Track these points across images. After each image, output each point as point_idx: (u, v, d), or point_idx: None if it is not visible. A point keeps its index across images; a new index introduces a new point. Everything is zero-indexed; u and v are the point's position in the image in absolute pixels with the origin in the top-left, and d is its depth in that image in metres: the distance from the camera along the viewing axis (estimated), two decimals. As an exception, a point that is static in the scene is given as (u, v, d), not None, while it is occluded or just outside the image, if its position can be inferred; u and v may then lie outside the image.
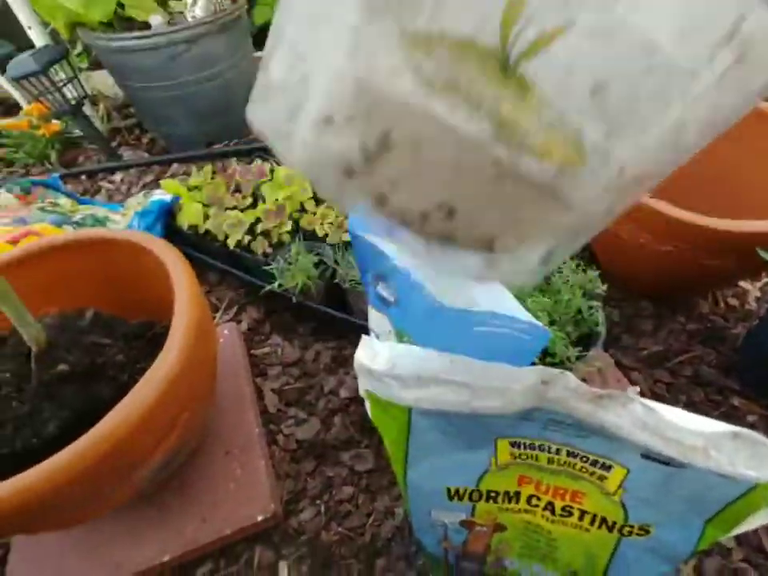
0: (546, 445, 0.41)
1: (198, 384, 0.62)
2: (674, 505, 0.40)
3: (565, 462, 0.42)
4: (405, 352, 0.39)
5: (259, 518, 0.71)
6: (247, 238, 1.01)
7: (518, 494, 0.47)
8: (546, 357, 0.71)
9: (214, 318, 1.06)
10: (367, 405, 0.44)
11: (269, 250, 1.01)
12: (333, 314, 0.94)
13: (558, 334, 0.71)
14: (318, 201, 1.05)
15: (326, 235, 0.99)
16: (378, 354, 0.40)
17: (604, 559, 0.47)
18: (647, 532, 0.42)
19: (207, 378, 0.67)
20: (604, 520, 0.44)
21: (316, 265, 0.94)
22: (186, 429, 0.61)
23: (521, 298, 0.66)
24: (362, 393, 0.43)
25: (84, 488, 0.49)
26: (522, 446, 0.42)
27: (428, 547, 0.57)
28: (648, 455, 0.37)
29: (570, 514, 0.45)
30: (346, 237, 0.98)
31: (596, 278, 0.70)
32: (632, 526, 0.43)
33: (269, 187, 1.03)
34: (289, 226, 0.99)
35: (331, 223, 1.01)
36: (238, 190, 1.10)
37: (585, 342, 0.68)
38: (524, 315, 0.43)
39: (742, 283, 1.03)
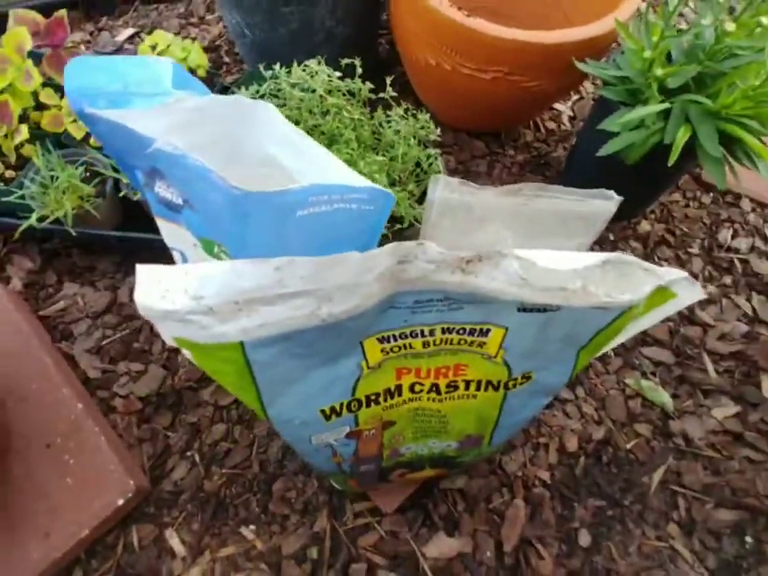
0: (418, 329, 0.35)
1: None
2: (551, 346, 0.37)
3: (441, 341, 0.37)
4: (204, 273, 0.27)
5: (120, 502, 0.59)
6: (-32, 163, 0.70)
7: (399, 387, 0.42)
8: (393, 224, 0.64)
9: (-32, 283, 0.77)
10: (186, 353, 0.32)
11: (10, 174, 0.72)
12: (135, 238, 0.74)
13: (401, 194, 0.63)
14: (58, 88, 0.75)
15: (88, 135, 0.73)
16: (168, 287, 0.27)
17: (494, 415, 0.47)
18: (529, 378, 0.41)
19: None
20: (489, 383, 0.41)
21: (88, 179, 0.70)
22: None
23: (349, 163, 0.55)
24: (169, 342, 0.31)
25: None
26: (392, 339, 0.36)
27: (320, 467, 0.51)
28: (524, 308, 0.33)
29: (456, 388, 0.42)
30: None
31: (428, 122, 0.62)
32: (515, 379, 0.41)
33: (-30, 80, 0.70)
34: (25, 133, 0.70)
35: (91, 118, 0.74)
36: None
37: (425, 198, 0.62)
38: (359, 180, 0.32)
39: (556, 105, 1.05)
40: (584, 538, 0.64)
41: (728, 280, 0.86)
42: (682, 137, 0.61)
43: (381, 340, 0.36)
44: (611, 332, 0.37)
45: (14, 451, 0.61)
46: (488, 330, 0.36)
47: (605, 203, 0.51)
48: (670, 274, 0.33)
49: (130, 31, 1.12)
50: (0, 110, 0.69)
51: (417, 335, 0.36)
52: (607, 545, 0.64)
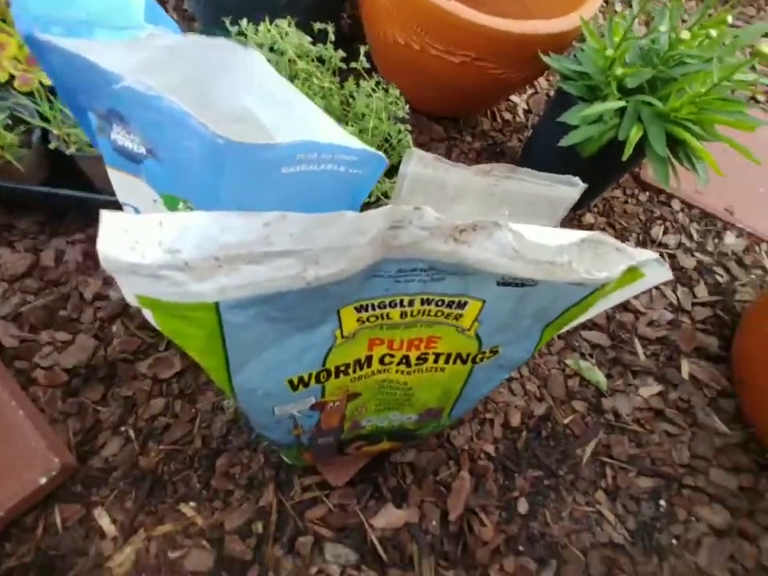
0: (398, 299, 0.34)
1: None
2: (522, 322, 0.38)
3: (419, 312, 0.36)
4: (183, 224, 0.24)
5: (42, 480, 0.54)
6: None
7: (369, 358, 0.41)
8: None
9: None
10: (147, 313, 0.29)
11: None
12: (63, 195, 0.67)
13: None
14: (-25, 20, 0.65)
15: (12, 78, 0.65)
16: (138, 238, 0.23)
17: (458, 388, 0.47)
18: (496, 353, 0.42)
19: None
20: (459, 356, 0.41)
21: (10, 127, 0.62)
22: None
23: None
24: (131, 301, 0.27)
25: None
26: (370, 308, 0.34)
27: (276, 440, 0.50)
28: (504, 282, 0.33)
29: (425, 360, 0.42)
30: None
31: (398, 97, 0.61)
32: (484, 353, 0.41)
33: None
34: (-67, 66, 0.61)
35: (16, 59, 0.65)
36: None
37: (396, 172, 0.61)
38: (352, 141, 0.30)
39: (513, 97, 1.08)
40: (522, 506, 0.68)
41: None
42: (635, 135, 0.65)
43: (358, 309, 0.35)
44: (580, 309, 0.38)
45: None
46: (465, 303, 0.35)
47: (570, 189, 0.53)
48: (642, 254, 0.34)
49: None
50: None
51: (396, 305, 0.35)
52: (543, 511, 0.68)
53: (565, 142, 0.69)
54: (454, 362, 0.41)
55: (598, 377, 0.79)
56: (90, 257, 0.71)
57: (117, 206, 0.69)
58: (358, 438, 0.55)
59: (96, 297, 0.69)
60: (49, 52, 0.29)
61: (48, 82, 0.66)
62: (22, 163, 0.62)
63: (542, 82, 1.13)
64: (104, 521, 0.58)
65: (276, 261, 0.25)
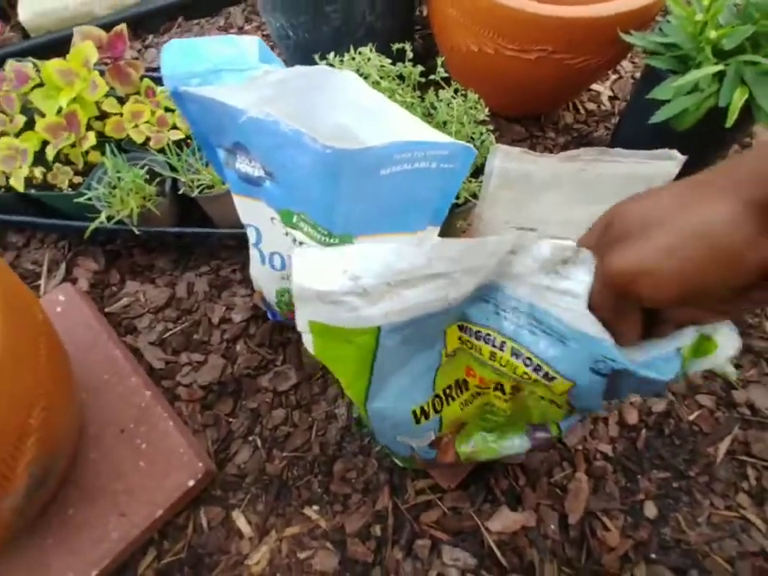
0: (492, 335, 0.35)
1: (32, 375, 0.45)
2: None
3: (507, 363, 0.36)
4: (363, 254, 0.28)
5: (190, 483, 0.61)
6: (40, 171, 0.75)
7: (465, 382, 0.43)
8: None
9: (37, 287, 0.82)
10: (307, 339, 0.33)
11: (77, 179, 0.77)
12: (191, 233, 0.77)
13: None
14: (119, 97, 0.80)
15: (148, 140, 0.78)
16: (326, 267, 0.28)
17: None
18: None
19: (46, 363, 0.49)
20: (552, 401, 0.41)
21: (148, 180, 0.74)
22: (45, 431, 0.45)
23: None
24: (300, 327, 0.32)
25: None
26: (468, 331, 0.36)
27: (394, 451, 0.52)
28: (597, 371, 0.32)
29: (520, 390, 0.42)
30: (176, 135, 0.78)
31: (477, 101, 0.63)
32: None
33: (42, 94, 0.75)
34: (92, 140, 0.75)
35: (148, 122, 0.78)
36: (-5, 111, 0.79)
37: (482, 173, 0.63)
38: (442, 136, 0.33)
39: (595, 86, 1.05)
40: (650, 510, 0.63)
41: None
42: (738, 98, 0.61)
43: (461, 328, 0.37)
44: None
45: (89, 437, 0.64)
46: (553, 378, 0.35)
47: (667, 164, 0.51)
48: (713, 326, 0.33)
49: (171, 49, 1.18)
50: (69, 120, 0.74)
51: (489, 341, 0.36)
52: (675, 516, 0.63)
53: (657, 117, 0.66)
54: (551, 400, 0.40)
55: (726, 367, 0.72)
56: (215, 286, 0.81)
57: (235, 237, 0.79)
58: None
59: (221, 321, 0.78)
60: (188, 101, 0.36)
61: (174, 138, 0.78)
62: (158, 209, 0.73)
63: (625, 65, 1.10)
64: (241, 522, 0.64)
65: (429, 283, 0.29)
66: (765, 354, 0.73)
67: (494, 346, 0.35)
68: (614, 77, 1.09)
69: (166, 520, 0.62)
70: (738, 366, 0.74)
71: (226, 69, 0.36)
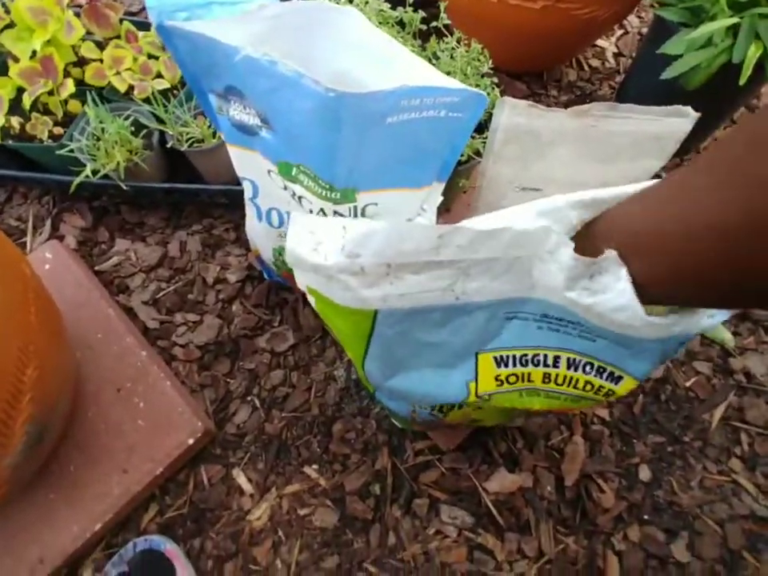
0: (541, 354, 0.32)
1: (23, 334, 0.43)
2: None
3: (564, 379, 0.33)
4: (366, 230, 0.25)
5: (190, 441, 0.61)
6: (17, 121, 0.71)
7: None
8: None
9: (23, 244, 0.79)
10: (310, 299, 0.31)
11: (58, 130, 0.72)
12: (181, 189, 0.74)
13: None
14: (99, 42, 0.74)
15: (131, 88, 0.73)
16: (322, 240, 0.26)
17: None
18: None
19: (36, 320, 0.48)
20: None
21: (134, 132, 0.70)
22: (40, 388, 0.44)
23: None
24: (300, 286, 0.30)
25: None
26: (511, 362, 0.32)
27: (393, 410, 0.51)
28: (665, 357, 0.30)
29: (558, 399, 0.38)
30: (161, 84, 0.73)
31: (481, 51, 0.59)
32: None
33: (13, 35, 0.69)
34: (71, 87, 0.70)
35: (131, 70, 0.73)
36: (-33, 53, 0.73)
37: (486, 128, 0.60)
38: (452, 82, 0.31)
39: (599, 42, 1.00)
40: (644, 473, 0.64)
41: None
42: (753, 54, 0.58)
43: (498, 362, 0.33)
44: None
45: (86, 395, 0.63)
46: (620, 378, 0.32)
47: (680, 121, 0.48)
48: None
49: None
50: (44, 65, 0.69)
51: (539, 362, 0.32)
52: (668, 479, 0.64)
53: (669, 73, 0.63)
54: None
55: (723, 334, 0.71)
56: (208, 246, 0.79)
57: (224, 195, 0.76)
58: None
59: (216, 281, 0.75)
60: (176, 37, 0.32)
61: (159, 87, 0.73)
62: (146, 164, 0.70)
63: (632, 21, 1.04)
64: (241, 479, 0.65)
65: (434, 271, 0.26)
66: (762, 322, 0.73)
67: (545, 365, 0.32)
68: (619, 32, 1.03)
69: (166, 477, 0.62)
70: (735, 334, 0.74)
71: (216, 1, 0.32)
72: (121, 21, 0.75)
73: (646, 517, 0.62)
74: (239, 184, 0.75)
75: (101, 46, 0.75)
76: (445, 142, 0.35)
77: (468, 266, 0.26)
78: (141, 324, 0.72)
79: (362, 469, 0.65)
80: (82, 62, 0.75)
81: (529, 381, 0.33)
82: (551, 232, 0.25)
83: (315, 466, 0.65)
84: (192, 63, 0.34)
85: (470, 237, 0.25)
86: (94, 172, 0.68)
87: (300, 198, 0.40)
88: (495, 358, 0.32)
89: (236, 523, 0.62)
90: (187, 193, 0.75)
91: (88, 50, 0.72)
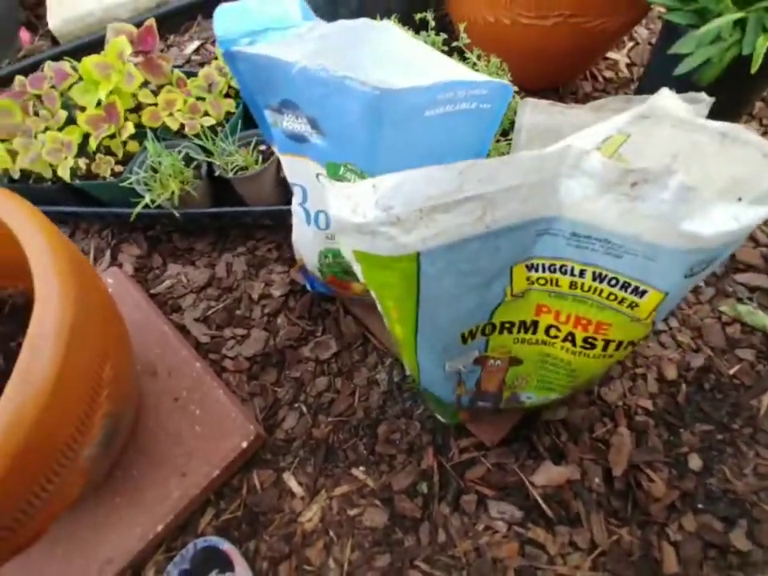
0: (569, 265, 0.34)
1: (101, 334, 0.48)
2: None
3: (590, 288, 0.36)
4: (394, 183, 0.28)
5: (244, 444, 0.64)
6: (83, 162, 0.79)
7: (535, 323, 0.43)
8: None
9: (87, 272, 0.86)
10: (357, 269, 0.35)
11: (118, 168, 0.81)
12: (229, 212, 0.80)
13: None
14: (153, 90, 0.83)
15: (182, 126, 0.81)
16: (360, 200, 0.29)
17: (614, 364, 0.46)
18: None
19: (111, 325, 0.53)
20: (631, 342, 0.40)
21: (185, 165, 0.77)
22: (115, 387, 0.49)
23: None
24: (347, 256, 0.34)
25: (15, 484, 0.37)
26: (540, 268, 0.36)
27: (440, 397, 0.54)
28: (692, 273, 0.31)
29: (593, 347, 0.42)
30: (208, 120, 0.81)
31: (500, 66, 0.64)
32: (657, 333, 0.40)
33: (81, 89, 0.79)
34: (131, 129, 0.79)
35: (181, 111, 0.82)
36: (37, 107, 0.83)
37: (509, 132, 0.64)
38: (479, 76, 0.35)
39: (611, 54, 1.05)
40: (694, 462, 0.64)
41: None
42: (762, 44, 0.61)
43: (529, 267, 0.36)
44: None
45: (147, 406, 0.68)
46: (644, 292, 0.34)
47: (695, 108, 0.51)
48: None
49: (195, 44, 1.22)
50: (108, 111, 0.78)
51: (566, 272, 0.35)
52: (720, 467, 0.63)
53: (681, 69, 0.66)
54: (625, 348, 0.41)
55: (764, 320, 0.72)
56: (252, 265, 0.84)
57: (267, 216, 0.82)
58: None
59: (261, 297, 0.80)
60: (239, 61, 0.38)
61: (206, 124, 0.81)
62: (196, 192, 0.77)
63: (641, 32, 1.09)
64: (292, 483, 0.67)
65: (463, 206, 0.29)
66: (804, 306, 0.73)
67: (572, 275, 0.35)
68: (630, 44, 1.08)
69: (222, 481, 0.65)
70: (777, 320, 0.73)
71: (272, 27, 0.38)
72: (172, 70, 0.84)
73: (700, 506, 0.61)
74: (284, 204, 0.81)
75: (155, 93, 0.84)
76: (476, 133, 0.39)
77: (493, 196, 0.29)
78: (193, 340, 0.77)
79: (408, 468, 0.66)
80: (138, 108, 0.84)
81: (557, 285, 0.36)
82: (569, 147, 0.28)
83: (362, 468, 0.67)
84: (252, 82, 0.40)
85: (487, 168, 0.28)
86: (152, 202, 0.75)
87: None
88: (527, 266, 0.35)
89: (288, 525, 0.64)
90: (233, 216, 0.81)
91: (145, 96, 0.81)
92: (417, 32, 0.64)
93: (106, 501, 0.61)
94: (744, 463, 0.63)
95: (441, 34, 0.65)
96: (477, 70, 0.61)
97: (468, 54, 0.64)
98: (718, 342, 0.72)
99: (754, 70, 0.61)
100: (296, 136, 0.42)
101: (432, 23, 0.65)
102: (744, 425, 0.66)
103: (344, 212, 0.29)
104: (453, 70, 0.36)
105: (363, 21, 0.37)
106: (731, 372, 0.69)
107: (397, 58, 0.38)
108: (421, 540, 0.62)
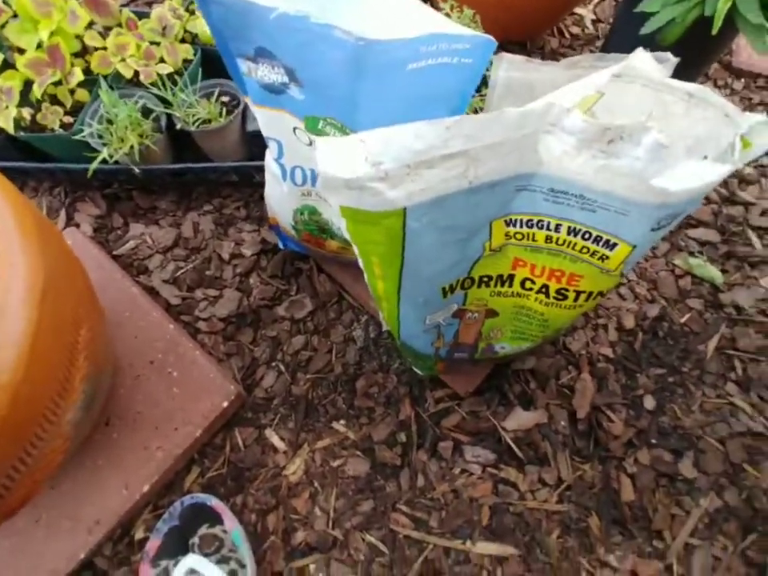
0: (545, 220, 0.36)
1: (75, 297, 0.46)
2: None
3: (564, 242, 0.37)
4: (382, 138, 0.28)
5: (225, 404, 0.65)
6: (27, 112, 0.73)
7: (511, 277, 0.44)
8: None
9: (39, 233, 0.81)
10: (342, 224, 0.34)
11: (68, 119, 0.74)
12: (195, 168, 0.77)
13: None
14: (100, 32, 0.76)
15: (137, 74, 0.75)
16: (348, 155, 0.29)
17: (581, 314, 0.49)
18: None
19: (82, 287, 0.51)
20: (600, 293, 0.43)
21: (144, 115, 0.72)
22: (92, 349, 0.47)
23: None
24: (335, 210, 0.33)
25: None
26: (518, 224, 0.37)
27: (419, 350, 0.56)
28: (659, 226, 0.33)
29: (565, 297, 0.44)
30: (165, 68, 0.75)
31: (473, 17, 0.63)
32: (618, 285, 0.43)
33: (17, 28, 0.71)
34: (79, 75, 0.72)
35: (134, 56, 0.75)
36: (-31, 50, 0.75)
37: (485, 87, 0.63)
38: (462, 29, 0.34)
39: (577, 10, 1.04)
40: (649, 402, 0.70)
41: (766, 160, 0.88)
42: (723, 5, 0.62)
43: (507, 223, 0.37)
44: None
45: (122, 369, 0.66)
46: (615, 245, 0.36)
47: (660, 66, 0.53)
48: (750, 118, 0.33)
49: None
50: (52, 54, 0.71)
51: (543, 226, 0.37)
52: (671, 406, 0.69)
53: (647, 28, 0.68)
54: (594, 299, 0.43)
55: (712, 272, 0.77)
56: (220, 224, 0.82)
57: (236, 172, 0.78)
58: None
59: (231, 256, 0.79)
60: (212, 3, 0.35)
61: (163, 71, 0.75)
62: (156, 146, 0.72)
63: (609, -12, 1.09)
64: (274, 439, 0.68)
65: (447, 162, 0.30)
66: (747, 259, 0.79)
67: (548, 229, 0.36)
68: (596, 0, 1.08)
69: (204, 441, 0.66)
70: (723, 272, 0.79)
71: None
72: (120, 10, 0.77)
73: (653, 441, 0.67)
74: (250, 159, 0.78)
75: (102, 35, 0.77)
76: (456, 88, 0.39)
77: (477, 152, 0.30)
78: (163, 301, 0.75)
79: (387, 420, 0.69)
80: (84, 52, 0.77)
81: (533, 240, 0.38)
82: (552, 105, 0.29)
83: (343, 421, 0.69)
84: (225, 28, 0.37)
85: (474, 124, 0.28)
86: (110, 156, 0.70)
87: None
88: (505, 221, 0.37)
89: (273, 479, 0.66)
90: (198, 172, 0.77)
91: (92, 39, 0.74)
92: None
93: (88, 465, 0.60)
94: (692, 402, 0.70)
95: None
96: (450, 20, 0.60)
97: (441, 5, 0.62)
98: (672, 293, 0.77)
99: (714, 31, 0.63)
100: (272, 87, 0.40)
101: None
102: (693, 368, 0.72)
103: (332, 167, 0.29)
104: (434, 21, 0.35)
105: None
106: (682, 320, 0.75)
107: (377, 6, 0.36)
108: (401, 485, 0.65)
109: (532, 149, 0.31)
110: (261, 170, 0.58)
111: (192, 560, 0.55)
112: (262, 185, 0.62)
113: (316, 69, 0.36)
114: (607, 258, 0.37)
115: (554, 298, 0.45)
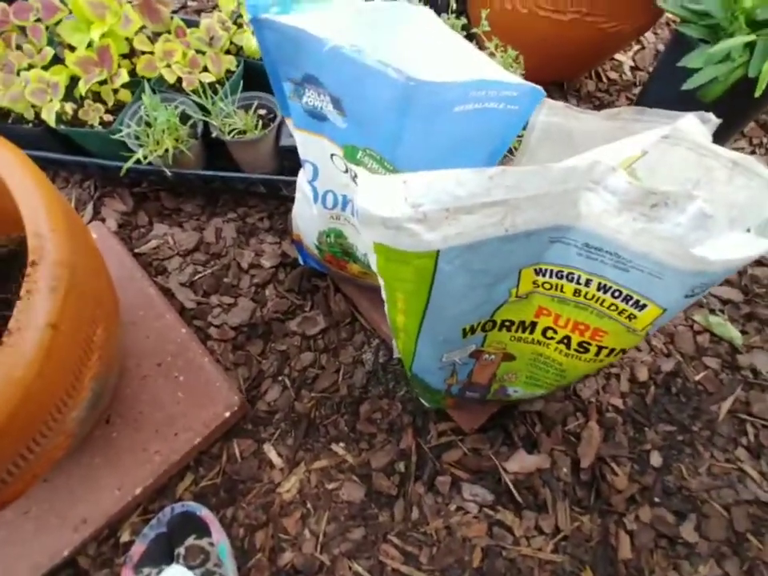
0: (576, 274, 0.36)
1: (96, 295, 0.47)
2: None
3: (593, 297, 0.37)
4: (424, 181, 0.29)
5: (227, 414, 0.64)
6: (70, 107, 0.75)
7: (533, 324, 0.44)
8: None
9: (66, 224, 0.82)
10: (372, 259, 0.35)
11: (107, 117, 0.76)
12: (223, 177, 0.78)
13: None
14: (149, 37, 0.78)
15: (180, 80, 0.77)
16: (388, 194, 0.29)
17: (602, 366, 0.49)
18: None
19: (105, 285, 0.51)
20: (622, 350, 0.42)
21: (181, 121, 0.74)
22: (106, 350, 0.47)
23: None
24: (368, 245, 0.33)
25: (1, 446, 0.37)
26: (548, 274, 0.37)
27: (430, 384, 0.55)
28: (693, 294, 0.33)
29: (587, 351, 0.43)
30: (208, 77, 0.77)
31: (515, 58, 0.64)
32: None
33: (70, 26, 0.74)
34: (125, 76, 0.74)
35: (179, 63, 0.77)
36: (20, 41, 0.77)
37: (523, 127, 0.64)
38: (511, 77, 0.35)
39: (617, 56, 1.05)
40: (655, 459, 0.68)
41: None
42: (767, 69, 0.63)
43: (537, 272, 0.37)
44: None
45: (128, 368, 0.66)
46: (644, 306, 0.35)
47: (704, 128, 0.53)
48: None
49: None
50: (101, 54, 0.73)
51: (572, 279, 0.37)
52: (678, 465, 0.68)
53: (689, 84, 0.68)
54: (616, 355, 0.42)
55: (732, 332, 0.76)
56: (243, 233, 0.82)
57: (264, 184, 0.80)
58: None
59: (250, 266, 0.79)
60: (267, 29, 0.36)
61: (205, 80, 0.77)
62: (190, 152, 0.74)
63: (648, 37, 1.10)
64: (272, 454, 0.68)
65: (487, 209, 0.30)
66: (770, 322, 0.77)
67: (578, 283, 0.36)
68: (636, 47, 1.09)
69: (202, 449, 0.65)
70: (743, 333, 0.78)
71: (304, -4, 0.36)
72: (171, 17, 0.79)
73: (656, 499, 0.65)
74: (279, 173, 0.79)
75: (151, 40, 0.79)
76: (499, 133, 0.39)
77: (517, 202, 0.30)
78: (178, 304, 0.76)
79: (387, 447, 0.68)
80: (131, 54, 0.79)
81: (561, 291, 0.38)
82: (597, 163, 0.29)
83: (342, 444, 0.69)
84: (277, 52, 0.38)
85: (517, 177, 0.29)
86: (144, 158, 0.72)
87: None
88: (535, 270, 0.36)
89: (266, 495, 0.65)
90: (228, 180, 0.78)
91: (141, 43, 0.76)
92: (438, 13, 0.63)
93: (84, 462, 0.60)
94: (699, 463, 0.68)
95: (461, 17, 0.63)
96: (495, 60, 0.61)
97: (487, 44, 0.63)
98: (688, 348, 0.75)
99: (758, 93, 0.63)
100: (315, 113, 0.41)
101: (453, 5, 0.63)
102: (703, 428, 0.70)
103: (372, 204, 0.29)
104: (484, 66, 0.35)
105: (400, 2, 0.36)
106: (697, 378, 0.74)
107: (429, 46, 0.37)
108: (395, 516, 0.64)
109: (572, 203, 0.31)
110: (289, 184, 0.59)
111: (175, 571, 0.54)
112: (288, 198, 0.63)
113: (363, 102, 0.37)
114: (635, 317, 0.37)
115: (575, 350, 0.45)
